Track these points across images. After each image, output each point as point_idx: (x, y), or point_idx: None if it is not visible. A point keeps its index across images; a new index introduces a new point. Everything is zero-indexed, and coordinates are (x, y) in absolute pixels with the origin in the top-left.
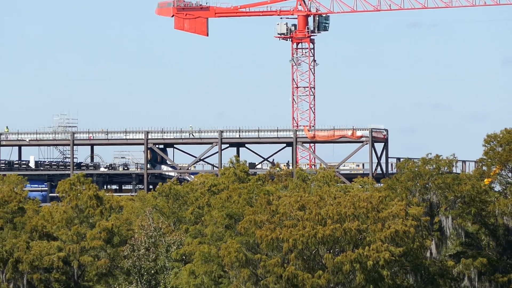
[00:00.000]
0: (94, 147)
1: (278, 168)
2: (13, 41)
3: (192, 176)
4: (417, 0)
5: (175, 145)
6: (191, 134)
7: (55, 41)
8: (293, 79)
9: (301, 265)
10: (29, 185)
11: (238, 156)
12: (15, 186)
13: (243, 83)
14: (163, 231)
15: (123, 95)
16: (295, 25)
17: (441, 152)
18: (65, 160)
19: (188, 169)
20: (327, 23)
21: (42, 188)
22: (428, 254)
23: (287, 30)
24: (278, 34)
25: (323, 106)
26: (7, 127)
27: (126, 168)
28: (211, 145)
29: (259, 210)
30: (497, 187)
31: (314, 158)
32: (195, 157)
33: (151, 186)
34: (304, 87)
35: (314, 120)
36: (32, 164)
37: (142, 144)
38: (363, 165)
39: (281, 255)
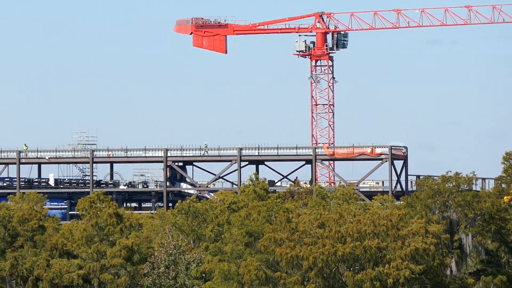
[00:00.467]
0: (114, 164)
1: (298, 186)
2: (31, 58)
3: (212, 194)
4: (435, 17)
5: (194, 163)
6: (205, 151)
7: (73, 59)
8: (312, 96)
9: (321, 283)
10: (48, 203)
11: (258, 173)
12: (35, 204)
13: (262, 101)
14: (182, 249)
15: (142, 113)
16: (313, 42)
17: (461, 169)
18: (84, 178)
19: (207, 186)
20: (345, 40)
21: (61, 206)
22: (448, 272)
23: (305, 47)
24: (297, 51)
25: (342, 123)
26: (25, 145)
27: (145, 185)
28: (230, 162)
29: (279, 228)
30: None
31: (334, 176)
32: (215, 174)
33: (170, 204)
34: (323, 105)
35: (333, 137)
36: (51, 182)
37: (162, 161)
38: (382, 182)
39: (301, 273)
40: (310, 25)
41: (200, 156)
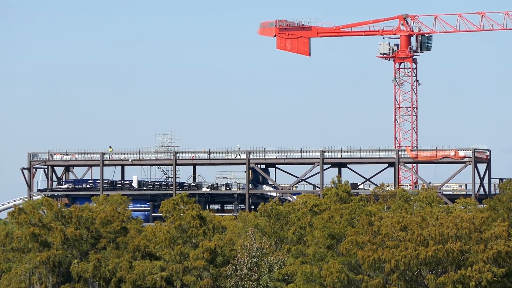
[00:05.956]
0: (197, 167)
1: (381, 189)
2: (114, 61)
3: (294, 196)
4: None
5: (277, 165)
6: (238, 154)
7: (158, 62)
8: (395, 99)
9: (403, 286)
10: (131, 204)
11: (340, 176)
12: (118, 205)
13: (345, 103)
14: (265, 251)
15: (225, 115)
16: (397, 45)
17: None
18: (167, 180)
19: (289, 189)
20: (429, 43)
21: (144, 208)
22: None
23: (389, 49)
24: (381, 53)
25: (425, 126)
26: (110, 147)
27: (228, 188)
28: (313, 165)
29: (361, 231)
30: None
31: (417, 179)
32: (297, 177)
33: (252, 206)
34: (407, 107)
35: (417, 140)
36: (135, 184)
37: (244, 164)
38: (465, 185)
39: (383, 276)
40: (394, 27)
41: (283, 158)
